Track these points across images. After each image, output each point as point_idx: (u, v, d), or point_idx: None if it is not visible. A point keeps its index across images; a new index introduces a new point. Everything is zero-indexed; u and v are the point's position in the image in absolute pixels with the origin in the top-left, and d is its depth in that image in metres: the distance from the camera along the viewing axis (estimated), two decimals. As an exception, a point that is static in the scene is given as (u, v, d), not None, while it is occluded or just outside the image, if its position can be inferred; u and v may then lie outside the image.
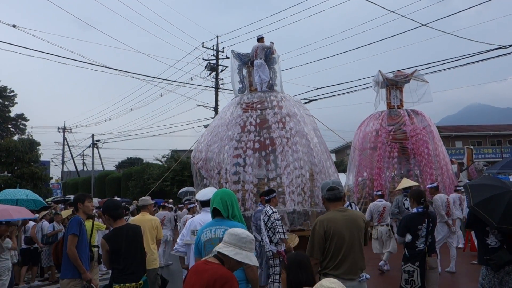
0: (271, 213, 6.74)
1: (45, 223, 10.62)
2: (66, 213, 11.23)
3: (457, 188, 12.32)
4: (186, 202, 17.74)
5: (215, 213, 3.80)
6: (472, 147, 21.22)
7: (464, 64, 17.63)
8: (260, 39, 12.86)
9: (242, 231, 2.95)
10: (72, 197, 24.02)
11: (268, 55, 12.68)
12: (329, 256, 3.79)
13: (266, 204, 6.98)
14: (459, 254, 9.95)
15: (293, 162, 11.06)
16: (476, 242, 5.81)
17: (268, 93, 12.43)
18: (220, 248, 2.85)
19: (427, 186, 9.60)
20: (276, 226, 6.65)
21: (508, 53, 15.39)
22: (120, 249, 4.66)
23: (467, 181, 14.05)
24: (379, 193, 10.59)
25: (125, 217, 9.37)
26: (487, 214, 4.73)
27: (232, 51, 13.33)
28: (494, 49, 15.54)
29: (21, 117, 44.31)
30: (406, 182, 9.81)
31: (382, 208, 9.66)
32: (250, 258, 2.86)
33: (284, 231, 6.82)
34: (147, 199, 7.32)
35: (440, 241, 8.68)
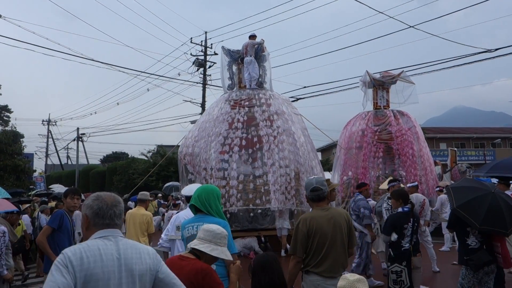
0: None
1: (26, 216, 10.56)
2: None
3: (437, 189, 12.52)
4: (173, 196, 17.84)
5: (196, 209, 3.82)
6: (456, 149, 21.51)
7: (450, 67, 17.84)
8: (252, 37, 12.82)
9: (216, 227, 3.02)
10: (54, 189, 23.72)
11: (258, 52, 12.66)
12: (311, 254, 3.82)
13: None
14: (441, 255, 10.08)
15: (279, 161, 11.10)
16: (457, 243, 5.90)
17: (256, 90, 12.44)
18: (196, 245, 2.92)
19: (408, 185, 9.68)
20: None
21: (494, 57, 15.62)
22: None
23: (452, 182, 14.25)
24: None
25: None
26: (470, 215, 4.82)
27: (223, 47, 13.29)
28: (480, 53, 15.76)
29: (4, 108, 43.53)
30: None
31: (371, 208, 9.69)
32: (225, 253, 2.96)
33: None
34: (146, 194, 7.61)
35: None
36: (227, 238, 3.04)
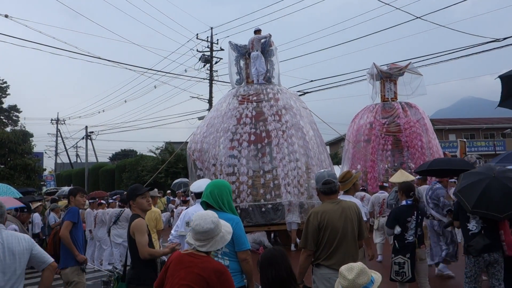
0: None
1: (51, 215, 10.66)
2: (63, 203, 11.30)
3: (452, 181, 12.42)
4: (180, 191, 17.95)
5: (207, 205, 3.76)
6: (465, 140, 21.39)
7: (458, 57, 17.67)
8: (257, 32, 12.79)
9: (204, 224, 2.89)
10: (63, 188, 23.98)
11: (265, 47, 12.63)
12: (322, 247, 3.82)
13: None
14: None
15: (289, 155, 11.10)
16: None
17: (264, 85, 12.43)
18: (200, 246, 2.88)
19: (416, 177, 9.59)
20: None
21: (502, 46, 15.45)
22: None
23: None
24: (386, 184, 10.69)
25: (121, 209, 9.47)
26: (465, 198, 4.90)
27: (230, 42, 13.28)
28: (488, 42, 15.59)
29: (13, 108, 43.86)
30: (400, 176, 9.37)
31: (382, 200, 9.62)
32: (224, 238, 2.98)
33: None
34: (155, 190, 7.82)
35: None
36: (218, 224, 2.95)
